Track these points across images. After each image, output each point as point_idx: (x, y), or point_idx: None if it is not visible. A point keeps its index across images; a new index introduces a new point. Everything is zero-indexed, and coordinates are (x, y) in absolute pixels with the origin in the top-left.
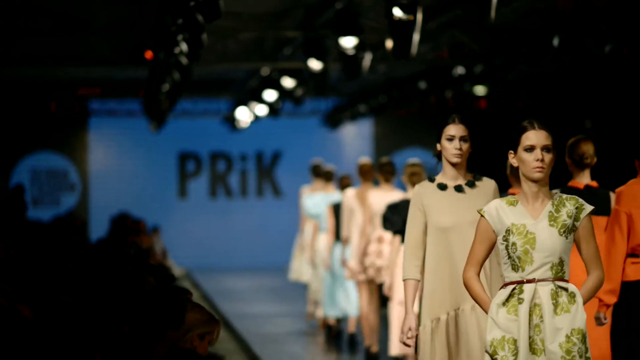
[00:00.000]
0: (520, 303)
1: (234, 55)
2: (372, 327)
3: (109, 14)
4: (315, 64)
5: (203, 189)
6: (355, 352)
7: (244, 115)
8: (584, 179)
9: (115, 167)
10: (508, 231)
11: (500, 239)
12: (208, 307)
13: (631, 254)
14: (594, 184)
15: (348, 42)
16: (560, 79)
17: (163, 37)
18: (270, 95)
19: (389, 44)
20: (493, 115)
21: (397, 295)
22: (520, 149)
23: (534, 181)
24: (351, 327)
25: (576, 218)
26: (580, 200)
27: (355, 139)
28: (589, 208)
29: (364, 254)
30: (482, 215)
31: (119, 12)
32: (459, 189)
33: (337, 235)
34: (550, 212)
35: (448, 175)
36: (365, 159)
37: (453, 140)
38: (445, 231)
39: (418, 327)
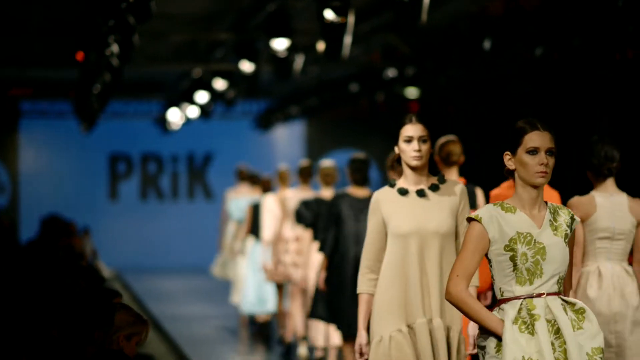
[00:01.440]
0: (536, 320)
1: (166, 57)
2: (292, 321)
3: (40, 14)
4: (246, 66)
5: (134, 191)
6: (286, 351)
7: (175, 116)
8: (452, 176)
9: (46, 168)
10: (513, 240)
11: (499, 248)
12: (138, 308)
13: None
14: (463, 180)
15: (279, 44)
16: (492, 81)
17: (94, 38)
18: (201, 96)
19: (321, 46)
20: (425, 117)
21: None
22: (520, 151)
23: (535, 187)
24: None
25: (571, 228)
26: (569, 209)
27: (287, 141)
28: (578, 219)
29: (283, 252)
30: (476, 221)
31: (50, 13)
32: (421, 193)
33: (254, 234)
34: (550, 220)
35: (409, 180)
36: (284, 166)
37: (411, 141)
38: (405, 238)
39: (369, 342)
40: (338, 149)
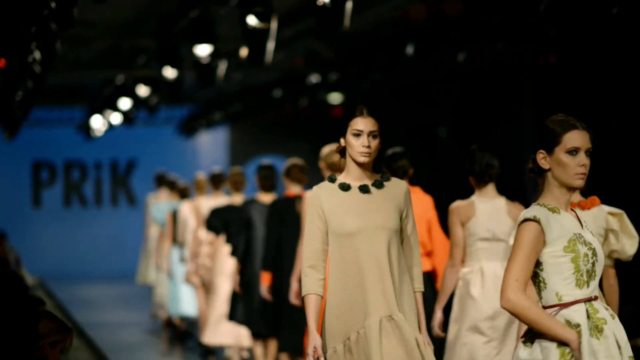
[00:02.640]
0: (604, 324)
1: (88, 64)
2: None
3: None
4: (169, 72)
5: (57, 198)
6: (205, 353)
7: (98, 123)
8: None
9: None
10: (572, 241)
11: (557, 250)
12: (62, 316)
13: None
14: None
15: (202, 51)
16: (415, 86)
17: (16, 45)
18: (124, 103)
19: (244, 52)
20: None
21: (220, 291)
22: (559, 151)
23: (572, 188)
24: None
25: None
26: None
27: (211, 147)
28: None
29: (196, 255)
30: (533, 221)
31: None
32: (364, 189)
33: (175, 240)
34: (583, 221)
35: (352, 175)
36: (201, 174)
37: (360, 135)
38: (351, 237)
39: (326, 350)
40: (262, 154)
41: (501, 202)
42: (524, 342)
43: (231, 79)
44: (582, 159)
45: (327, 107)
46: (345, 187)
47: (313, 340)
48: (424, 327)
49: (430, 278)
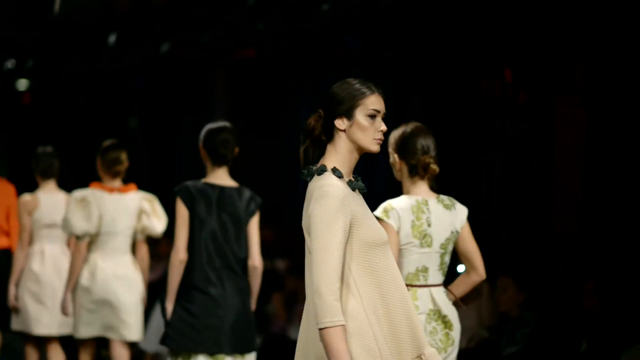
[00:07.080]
0: None
1: None
2: None
3: None
4: None
5: None
6: None
7: None
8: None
9: None
10: None
11: None
12: None
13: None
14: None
15: None
16: (112, 76)
17: None
18: None
19: None
20: (37, 110)
21: None
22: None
23: None
24: None
25: None
26: None
27: None
28: None
29: None
30: None
31: None
32: (362, 187)
33: None
34: None
35: (345, 171)
36: None
37: (376, 117)
38: (384, 247)
39: None
40: None
41: (61, 195)
42: None
43: None
44: None
45: (18, 94)
46: (353, 186)
47: None
48: None
49: (8, 255)
